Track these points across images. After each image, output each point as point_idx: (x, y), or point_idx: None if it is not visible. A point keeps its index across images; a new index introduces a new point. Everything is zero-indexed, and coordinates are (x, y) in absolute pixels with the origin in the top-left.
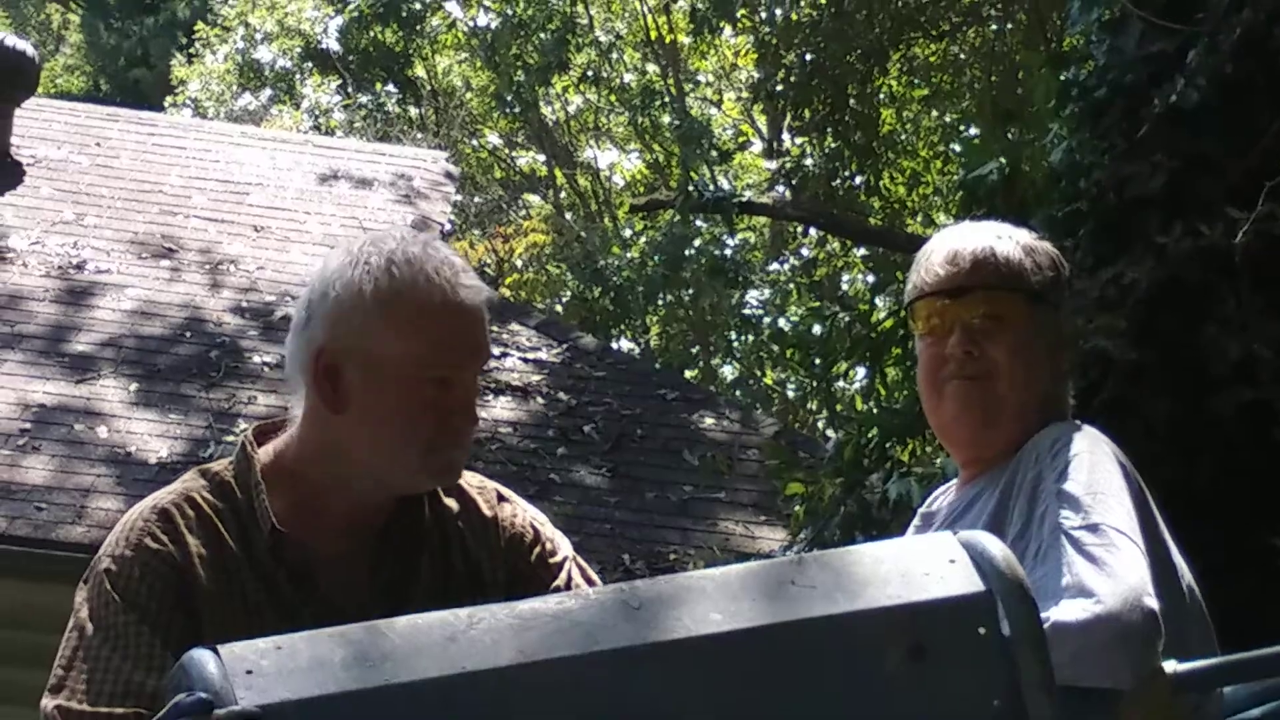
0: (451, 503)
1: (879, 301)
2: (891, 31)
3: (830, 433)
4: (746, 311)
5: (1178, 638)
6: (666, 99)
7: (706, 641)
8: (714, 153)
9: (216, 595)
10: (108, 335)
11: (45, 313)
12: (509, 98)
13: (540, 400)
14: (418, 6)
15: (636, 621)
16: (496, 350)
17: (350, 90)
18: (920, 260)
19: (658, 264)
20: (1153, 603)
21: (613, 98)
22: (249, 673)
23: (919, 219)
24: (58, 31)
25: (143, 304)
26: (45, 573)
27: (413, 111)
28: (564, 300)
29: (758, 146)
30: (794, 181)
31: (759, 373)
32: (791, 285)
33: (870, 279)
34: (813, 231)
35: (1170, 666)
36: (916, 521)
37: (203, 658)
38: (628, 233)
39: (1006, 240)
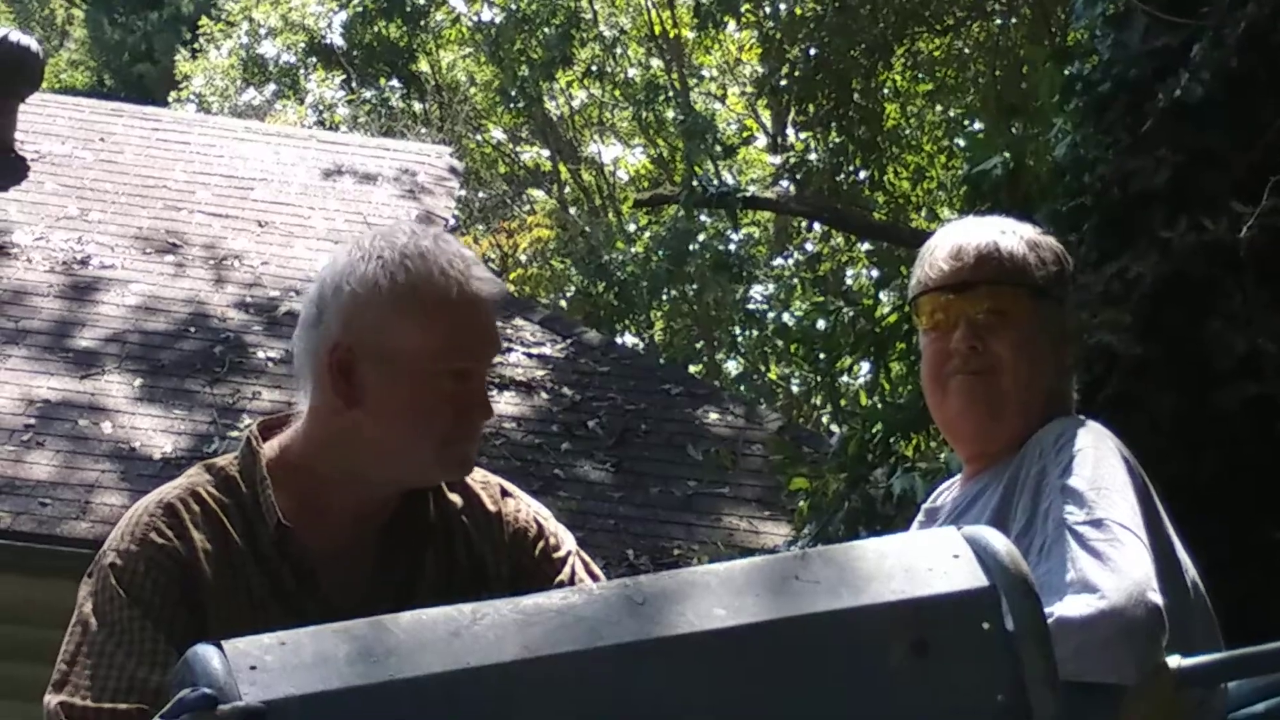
0: (455, 498)
1: (883, 296)
2: (896, 26)
3: (834, 428)
4: (751, 306)
5: (1182, 633)
6: (670, 94)
7: (710, 637)
8: (718, 148)
9: (222, 590)
10: (112, 331)
11: (49, 308)
12: (513, 93)
13: (544, 395)
14: (422, 1)
15: (640, 617)
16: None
17: (354, 85)
18: (924, 255)
19: (662, 259)
20: (1157, 598)
21: (617, 92)
22: (253, 668)
23: (923, 214)
24: (62, 27)
25: (147, 299)
26: (49, 568)
27: (417, 106)
28: (568, 295)
29: (762, 141)
30: (798, 176)
31: (763, 368)
32: (796, 280)
33: (874, 274)
34: (817, 226)
35: (1174, 662)
36: (920, 517)
37: (207, 653)
38: (632, 228)
39: (1011, 235)
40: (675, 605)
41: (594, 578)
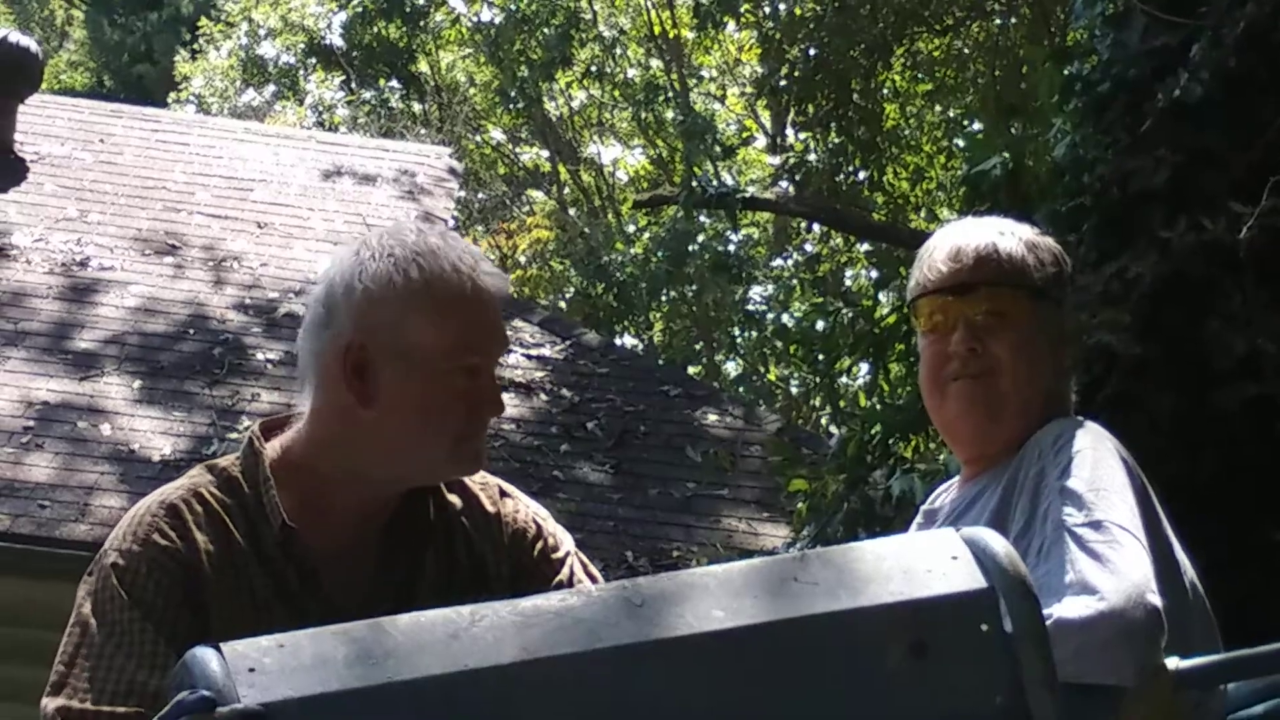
0: (454, 499)
1: (882, 297)
2: (895, 26)
3: (833, 429)
4: (750, 307)
5: (1180, 634)
6: (670, 94)
7: (709, 638)
8: (717, 148)
9: (224, 592)
10: (111, 332)
11: (48, 310)
12: (512, 93)
13: (543, 397)
14: (421, 2)
15: (639, 618)
16: None
17: (354, 86)
18: (923, 257)
19: (661, 260)
20: (1156, 599)
21: (616, 93)
22: (252, 670)
23: (923, 214)
24: (61, 27)
25: (146, 301)
26: (48, 570)
27: (416, 107)
28: (567, 296)
29: (761, 142)
30: (797, 177)
31: (762, 369)
32: (795, 281)
33: (874, 275)
34: (816, 227)
35: (1173, 663)
36: (919, 519)
37: (205, 655)
38: (631, 229)
39: (1009, 236)
40: (674, 607)
41: (591, 578)
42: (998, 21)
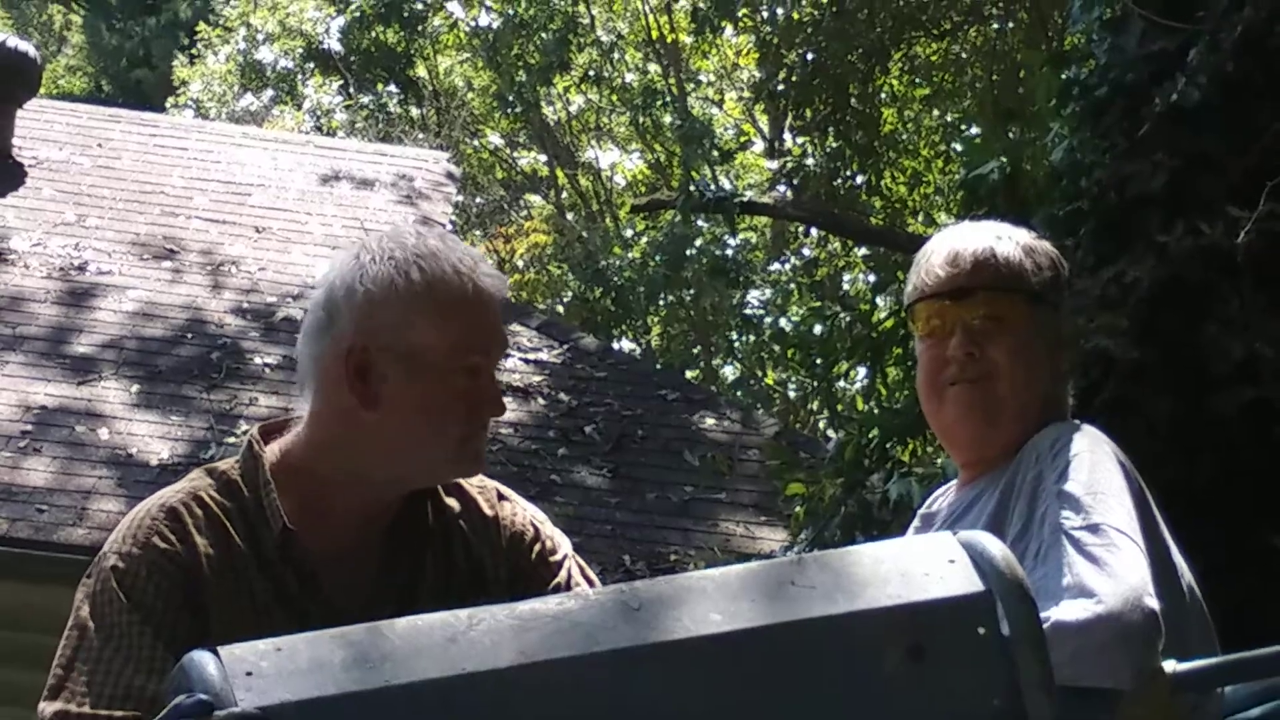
0: (452, 502)
1: (880, 301)
2: (893, 31)
3: (831, 433)
4: (748, 311)
5: (1178, 637)
6: (668, 99)
7: (706, 642)
8: (715, 152)
9: (224, 595)
10: (109, 337)
11: (46, 314)
12: (510, 98)
13: (541, 401)
14: (419, 7)
15: (636, 622)
16: None
17: (352, 91)
18: (920, 261)
19: (659, 264)
20: (1153, 603)
21: (614, 97)
22: (249, 674)
23: (920, 218)
24: (60, 32)
25: (144, 305)
26: (46, 575)
27: (414, 112)
28: (565, 301)
29: (759, 146)
30: (795, 181)
31: (760, 373)
32: (793, 285)
33: (871, 279)
34: (814, 231)
35: (1170, 666)
36: (916, 523)
37: (202, 659)
38: (629, 233)
39: (1006, 241)
40: (671, 610)
41: (589, 582)
42: (995, 26)
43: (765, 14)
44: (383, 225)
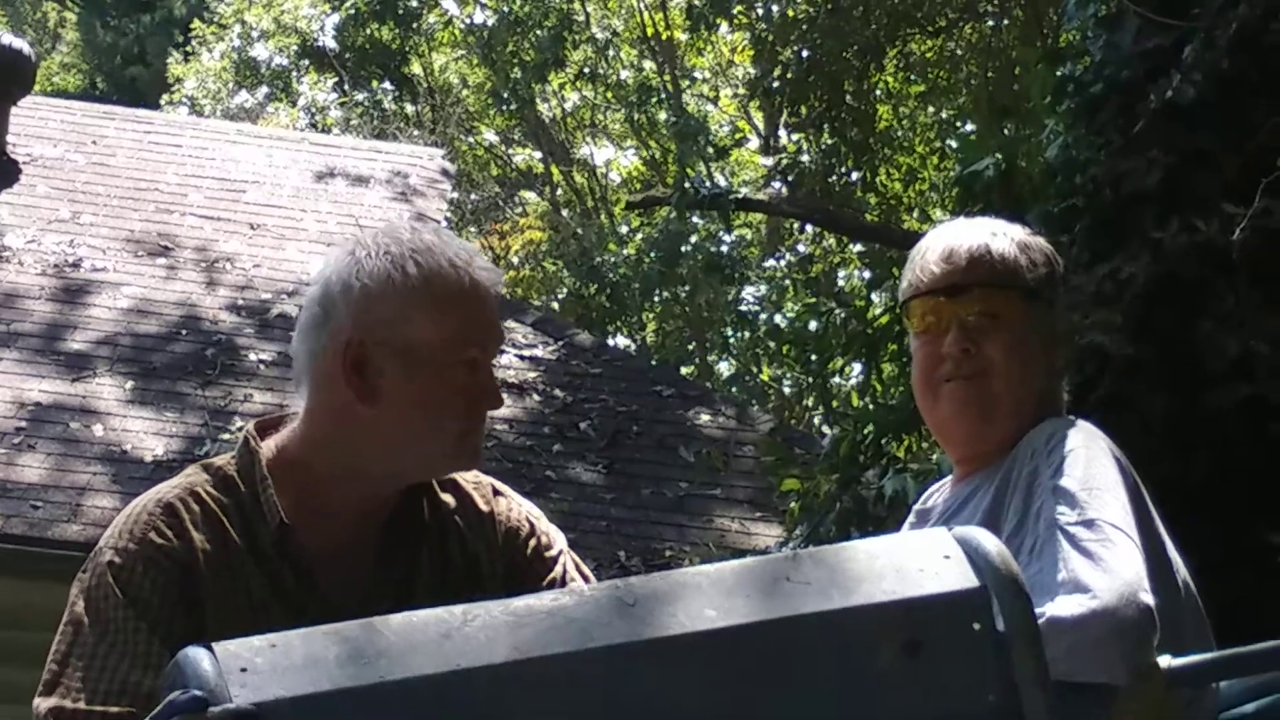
0: (448, 498)
1: (875, 297)
2: (888, 27)
3: (826, 429)
4: (743, 308)
5: (1173, 633)
6: (663, 95)
7: (701, 638)
8: (710, 149)
9: (221, 591)
10: (104, 333)
11: (41, 311)
12: (505, 94)
13: (536, 397)
14: (414, 3)
15: (631, 618)
16: None
17: (347, 88)
18: (915, 258)
19: (654, 261)
20: (1148, 598)
21: (609, 94)
22: (243, 670)
23: (915, 215)
24: (54, 29)
25: (139, 302)
26: (40, 571)
27: (409, 109)
28: (560, 297)
29: (754, 143)
30: (790, 178)
31: (755, 369)
32: (788, 281)
33: (866, 275)
34: (809, 228)
35: (1165, 661)
36: (912, 518)
37: (197, 655)
38: (624, 229)
39: (1001, 237)
40: (666, 606)
41: (584, 578)
42: (990, 23)
43: (760, 11)
44: (377, 222)
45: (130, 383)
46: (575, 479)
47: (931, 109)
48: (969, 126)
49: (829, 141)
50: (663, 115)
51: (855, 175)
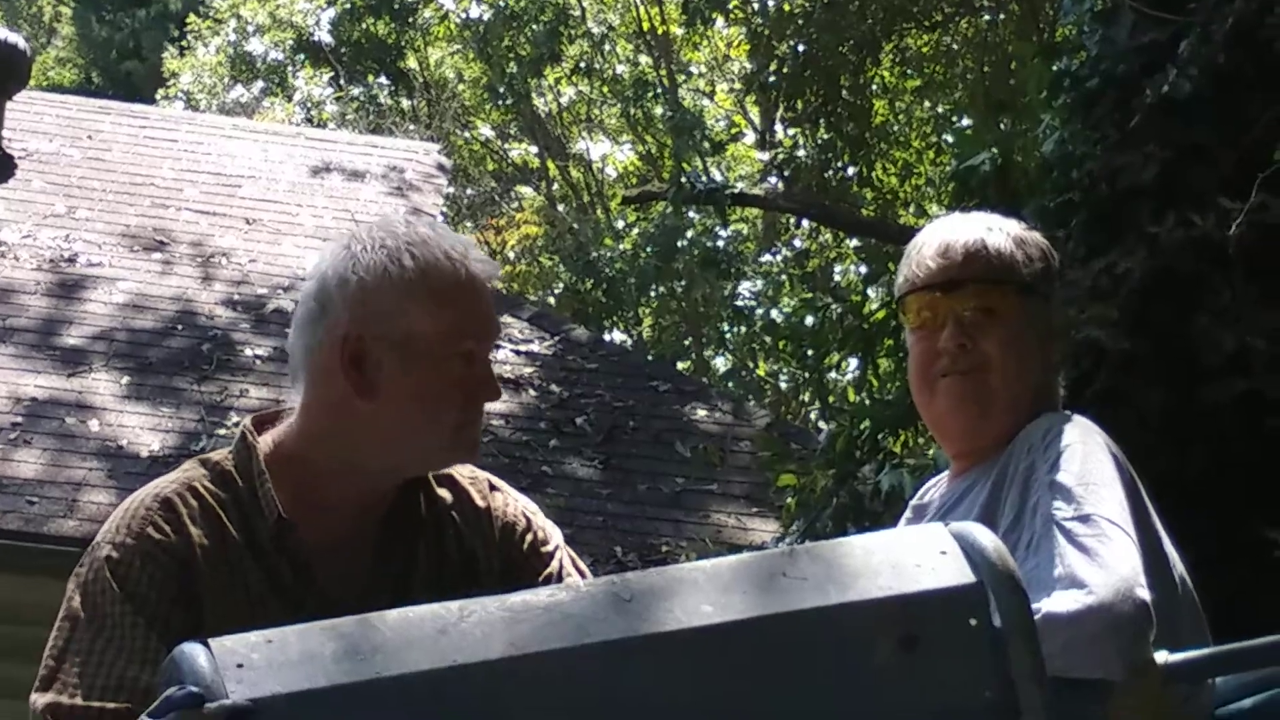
0: (444, 493)
1: (871, 293)
2: (884, 22)
3: (822, 424)
4: (739, 303)
5: (1169, 628)
6: (659, 90)
7: (698, 634)
8: (706, 144)
9: (219, 587)
10: (99, 328)
11: (37, 306)
12: (501, 89)
13: (532, 392)
14: None
15: (628, 614)
16: None
17: (342, 82)
18: (910, 254)
19: (650, 256)
20: (1145, 594)
21: (605, 89)
22: (240, 666)
23: (911, 210)
24: (49, 24)
25: (134, 297)
26: (36, 567)
27: (405, 103)
28: (556, 292)
29: (750, 138)
30: (786, 173)
31: (751, 364)
32: (784, 276)
33: (863, 270)
34: (805, 223)
35: (1162, 657)
36: (908, 514)
37: (193, 651)
38: (620, 224)
39: (997, 232)
40: (663, 602)
41: (580, 573)
42: (986, 17)
43: (756, 5)
44: (373, 217)
45: (126, 378)
46: (572, 474)
47: (927, 104)
48: (965, 121)
49: (825, 136)
50: (659, 110)
51: (851, 170)
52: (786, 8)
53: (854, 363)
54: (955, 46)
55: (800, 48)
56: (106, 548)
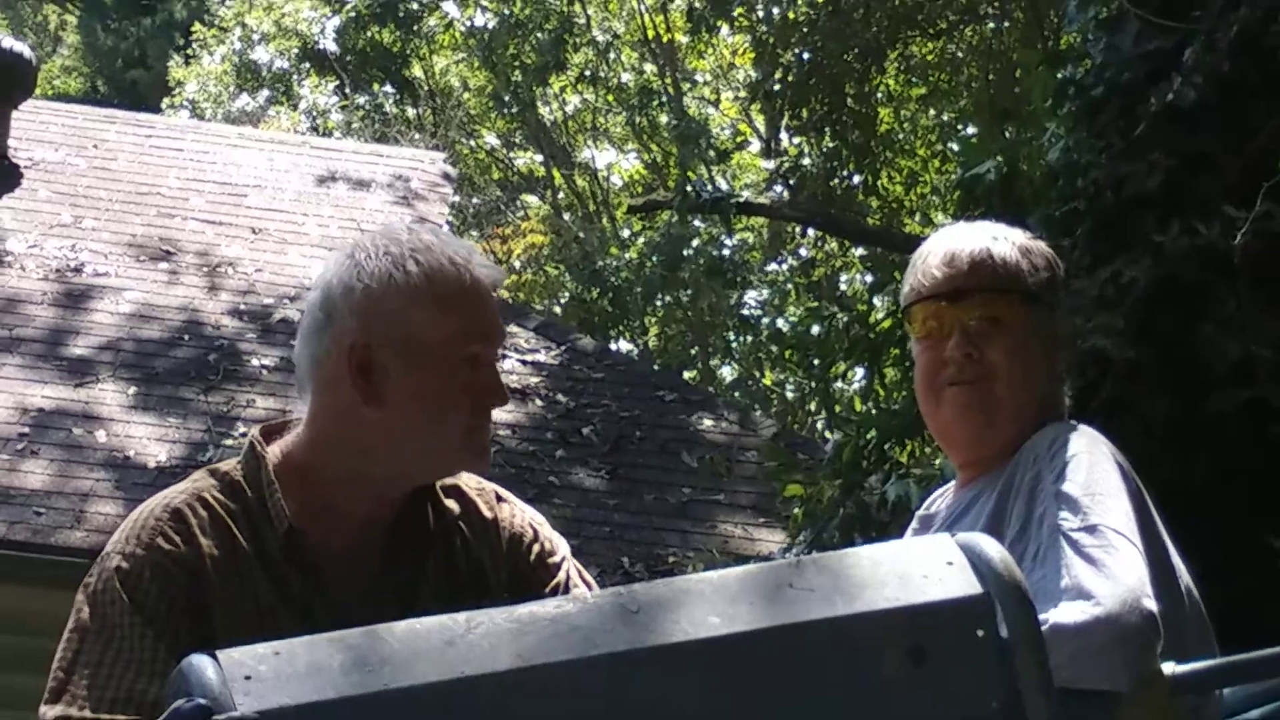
0: (452, 504)
1: (877, 301)
2: (889, 30)
3: (829, 434)
4: (745, 312)
5: (1176, 639)
6: (664, 99)
7: (705, 645)
8: (712, 152)
9: (228, 598)
10: (106, 339)
11: (43, 316)
12: (506, 98)
13: (539, 402)
14: (415, 6)
15: (635, 625)
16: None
17: (348, 91)
18: (916, 263)
19: (656, 265)
20: (1151, 604)
21: (610, 97)
22: (248, 678)
23: (917, 218)
24: (55, 32)
25: (141, 307)
26: (44, 578)
27: (410, 112)
28: (562, 301)
29: (755, 146)
30: (792, 181)
31: (757, 374)
32: (790, 285)
33: (868, 279)
34: (811, 231)
35: (1169, 668)
36: (915, 524)
37: (201, 663)
38: (626, 233)
39: (1003, 241)
40: (669, 613)
41: (587, 585)
42: (991, 25)
43: (761, 13)
44: (378, 226)
45: (133, 388)
46: (578, 484)
47: (933, 112)
48: (970, 129)
49: (830, 145)
50: (664, 118)
51: (857, 178)
52: (791, 16)
53: (860, 372)
54: (960, 54)
55: (805, 56)
56: (116, 558)
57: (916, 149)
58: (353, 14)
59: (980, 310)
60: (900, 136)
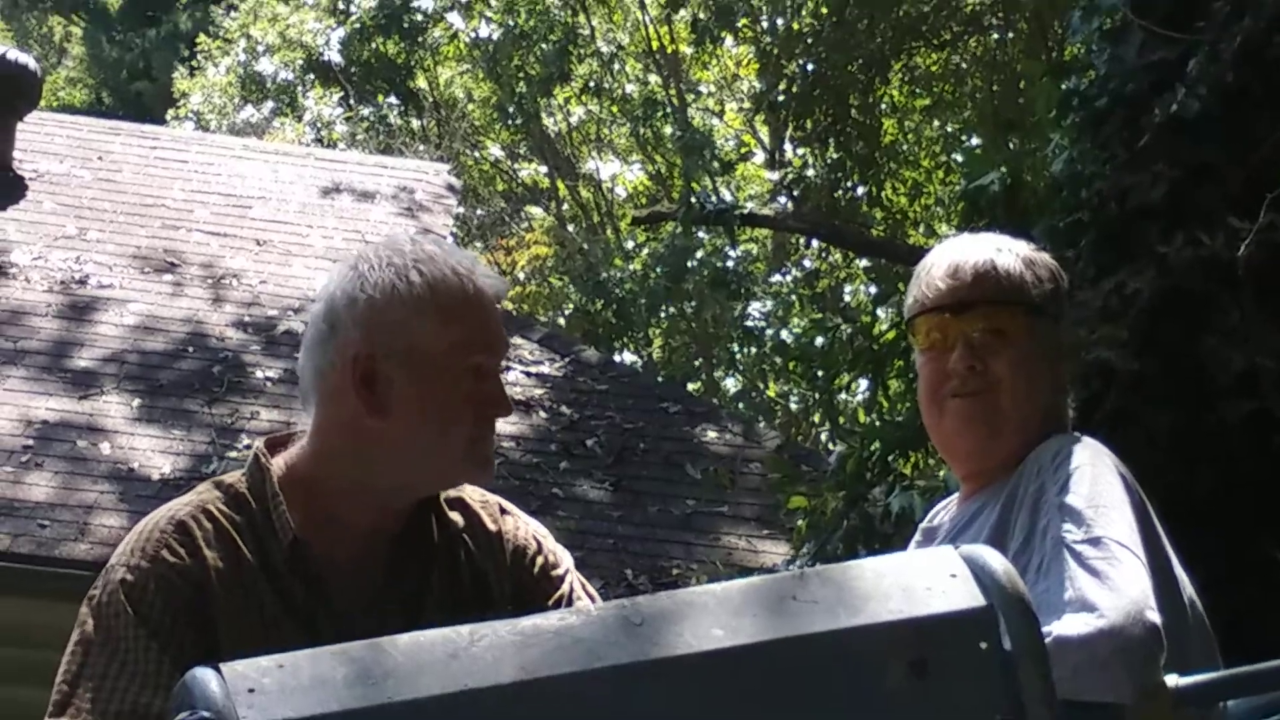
0: (456, 517)
1: (881, 313)
2: (893, 41)
3: (833, 446)
4: (749, 323)
5: (1179, 651)
6: (668, 110)
7: (708, 658)
8: (716, 164)
9: (233, 610)
10: (110, 351)
11: (47, 328)
12: (511, 109)
13: (543, 414)
14: (419, 18)
15: (638, 638)
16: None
17: (352, 102)
18: (920, 275)
19: (660, 276)
20: (1155, 616)
21: (614, 109)
22: (251, 691)
23: (921, 229)
24: (60, 44)
25: (145, 319)
26: (48, 590)
27: (415, 123)
28: (566, 313)
29: (760, 157)
30: (796, 192)
31: (762, 385)
32: (794, 297)
33: (872, 290)
34: (815, 243)
35: (1172, 680)
36: (918, 537)
37: (205, 676)
38: (630, 245)
39: (1006, 253)
40: (673, 626)
41: (590, 598)
42: (995, 36)
43: (765, 25)
44: (383, 238)
45: (137, 400)
46: (582, 496)
47: (937, 123)
48: (974, 140)
49: (834, 156)
50: (668, 129)
51: (861, 190)
52: (796, 27)
53: (864, 384)
54: (964, 65)
55: (809, 67)
56: (121, 570)
57: (921, 160)
58: (357, 25)
59: (984, 322)
60: (904, 148)
